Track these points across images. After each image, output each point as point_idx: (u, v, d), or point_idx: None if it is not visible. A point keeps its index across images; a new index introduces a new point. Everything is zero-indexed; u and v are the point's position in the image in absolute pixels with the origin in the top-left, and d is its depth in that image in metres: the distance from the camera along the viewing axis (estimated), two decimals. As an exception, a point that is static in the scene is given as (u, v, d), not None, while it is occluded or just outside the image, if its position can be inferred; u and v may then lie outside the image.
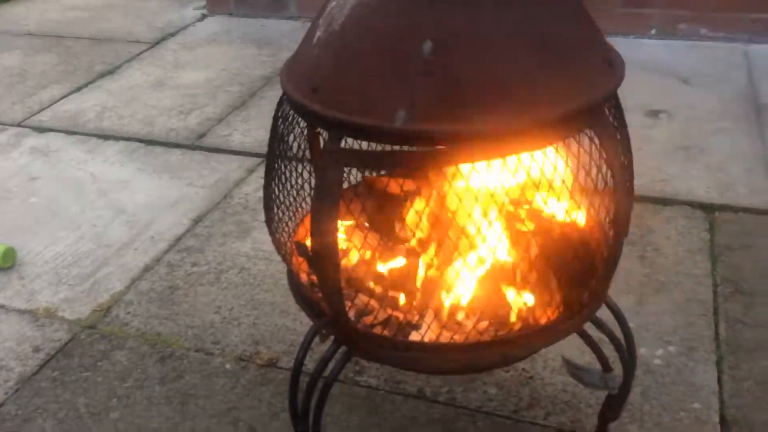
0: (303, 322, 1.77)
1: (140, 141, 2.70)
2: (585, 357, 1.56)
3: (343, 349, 1.12)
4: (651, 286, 1.84)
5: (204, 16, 4.00)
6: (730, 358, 1.62)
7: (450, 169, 0.98)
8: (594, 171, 0.94)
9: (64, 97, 3.08)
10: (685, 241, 2.01)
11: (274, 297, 1.87)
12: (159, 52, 3.53)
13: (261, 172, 2.46)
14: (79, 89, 3.15)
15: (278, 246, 1.12)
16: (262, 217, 2.19)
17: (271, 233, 1.12)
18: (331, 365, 1.15)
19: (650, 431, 1.45)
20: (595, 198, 1.00)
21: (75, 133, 2.78)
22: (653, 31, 3.32)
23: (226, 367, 1.66)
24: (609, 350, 1.27)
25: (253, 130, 2.73)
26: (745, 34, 3.20)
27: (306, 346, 1.15)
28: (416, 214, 1.20)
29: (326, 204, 0.90)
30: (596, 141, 0.92)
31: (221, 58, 3.42)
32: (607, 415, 1.33)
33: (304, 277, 1.09)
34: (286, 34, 3.65)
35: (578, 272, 1.10)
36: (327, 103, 0.93)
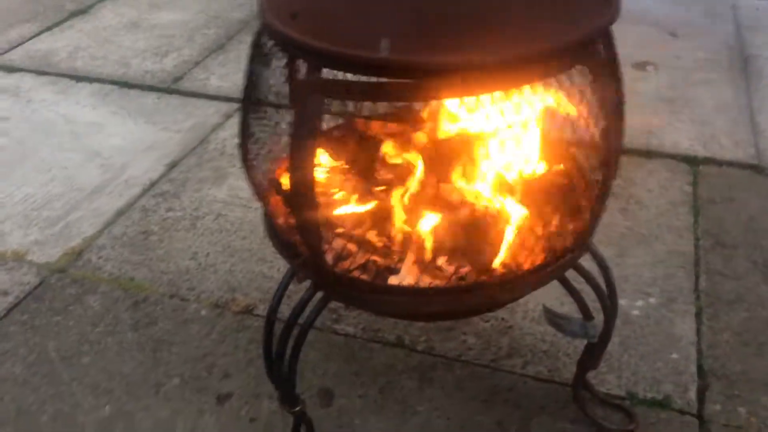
0: (281, 270, 1.73)
1: (114, 83, 2.60)
2: (564, 308, 1.55)
3: (319, 294, 1.09)
4: (632, 238, 1.83)
5: (181, -44, 3.84)
6: (709, 309, 1.62)
7: (433, 107, 0.93)
8: (585, 110, 0.90)
9: (34, 36, 2.96)
10: (667, 193, 1.99)
11: (251, 244, 1.83)
12: (134, -9, 3.39)
13: (238, 117, 2.41)
14: (49, 29, 3.03)
15: (254, 186, 1.07)
16: (239, 163, 2.14)
17: (247, 172, 1.07)
18: (307, 311, 1.12)
19: (628, 381, 1.45)
20: (585, 139, 0.96)
21: (46, 73, 2.68)
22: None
23: (201, 314, 1.63)
24: (589, 299, 1.26)
25: (231, 74, 2.65)
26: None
27: (282, 290, 1.12)
28: (398, 155, 1.15)
29: (304, 138, 0.86)
30: (589, 78, 0.88)
31: (198, -1, 3.30)
32: (586, 363, 1.32)
33: (281, 218, 1.05)
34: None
35: (564, 216, 1.07)
36: (306, 31, 0.87)
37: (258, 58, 1.00)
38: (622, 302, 1.62)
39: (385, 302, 0.98)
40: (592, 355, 1.29)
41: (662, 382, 1.44)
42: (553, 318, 1.28)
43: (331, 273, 0.99)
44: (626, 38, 2.66)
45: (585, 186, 1.02)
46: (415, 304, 0.98)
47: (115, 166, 2.15)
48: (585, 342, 1.32)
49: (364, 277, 1.00)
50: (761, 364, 1.48)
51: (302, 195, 0.88)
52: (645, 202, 1.96)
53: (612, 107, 0.95)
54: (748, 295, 1.65)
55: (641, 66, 2.63)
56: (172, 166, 2.15)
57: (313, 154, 0.87)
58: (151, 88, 2.57)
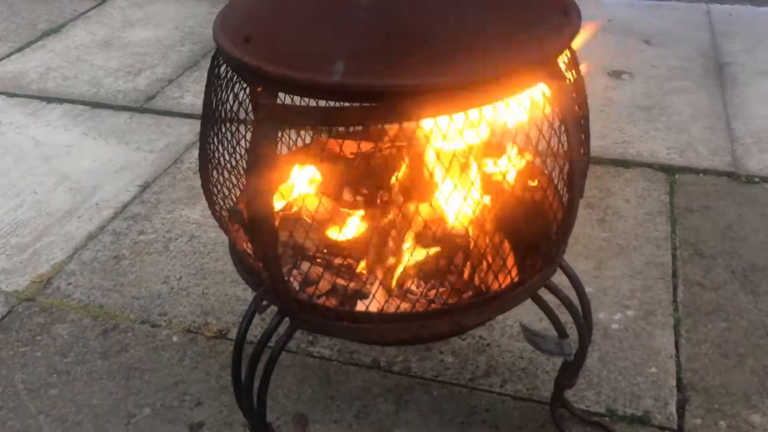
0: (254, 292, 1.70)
1: (86, 104, 2.57)
2: (543, 323, 1.53)
3: (287, 319, 1.06)
4: (610, 249, 1.81)
5: (155, -27, 3.81)
6: (687, 321, 1.60)
7: (394, 127, 0.91)
8: (547, 129, 0.88)
9: (5, 57, 2.92)
10: (645, 203, 1.98)
11: (224, 265, 1.80)
12: (106, 10, 3.36)
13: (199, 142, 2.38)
14: (20, 49, 2.99)
15: (215, 213, 1.05)
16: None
17: (208, 199, 1.05)
18: (276, 337, 1.09)
19: (607, 397, 1.43)
20: (549, 158, 0.94)
21: (15, 95, 2.64)
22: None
23: (173, 340, 1.59)
24: (567, 315, 1.24)
25: (205, 91, 2.61)
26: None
27: (249, 317, 1.09)
28: (364, 177, 1.13)
29: (260, 165, 0.83)
30: (548, 96, 0.86)
31: (173, 16, 3.27)
32: (563, 381, 1.30)
33: (242, 244, 1.02)
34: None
35: (531, 237, 1.05)
36: (259, 55, 0.85)
37: (215, 82, 0.98)
38: (600, 316, 1.61)
39: (351, 330, 0.96)
40: (568, 373, 1.26)
41: (642, 397, 1.42)
42: (530, 336, 1.26)
43: (294, 300, 0.96)
44: (601, 47, 2.67)
45: (552, 204, 0.99)
46: (382, 330, 0.95)
47: (86, 188, 2.11)
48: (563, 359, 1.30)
49: (328, 303, 0.97)
50: (741, 377, 1.47)
51: (261, 224, 0.86)
52: (622, 213, 1.94)
53: (575, 124, 0.93)
54: (727, 306, 1.64)
55: (617, 74, 2.63)
56: (145, 187, 2.11)
57: (270, 183, 0.84)
58: (124, 108, 2.54)
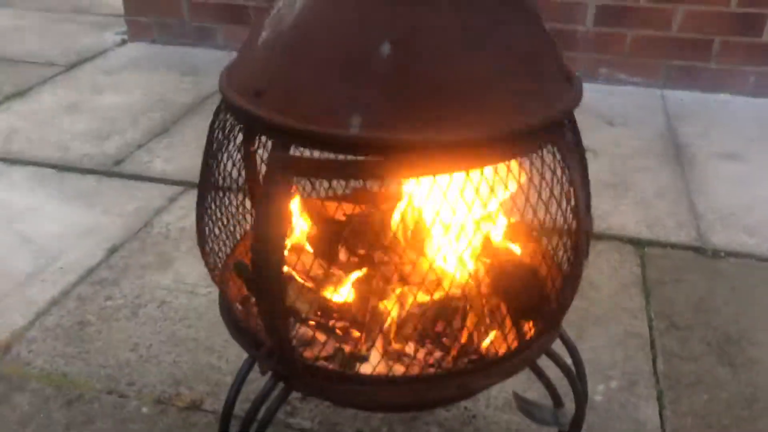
0: (229, 360, 1.64)
1: (52, 166, 2.51)
2: (528, 394, 1.51)
3: (280, 386, 1.02)
4: (588, 320, 1.82)
5: (124, 42, 3.84)
6: (670, 393, 1.60)
7: (397, 189, 0.90)
8: (557, 190, 0.89)
9: (-34, 118, 2.85)
10: (618, 275, 2.01)
11: (197, 333, 1.73)
12: (75, 75, 3.34)
13: (184, 200, 2.34)
14: (-17, 111, 2.93)
15: (211, 269, 1.01)
16: (184, 247, 2.06)
17: (203, 255, 1.01)
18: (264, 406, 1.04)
19: (597, 470, 1.39)
20: (554, 220, 0.95)
21: (-22, 156, 2.56)
22: (577, 74, 3.41)
23: (142, 411, 1.50)
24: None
25: (177, 156, 2.59)
26: (661, 79, 3.34)
27: (239, 383, 1.04)
28: (361, 239, 1.12)
29: (273, 217, 0.81)
30: (558, 158, 0.87)
31: (143, 83, 3.27)
32: (555, 453, 1.27)
33: (239, 303, 0.98)
34: (213, 64, 3.54)
35: (533, 300, 1.04)
36: (273, 108, 0.84)
37: (218, 137, 0.96)
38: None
39: (355, 393, 0.92)
40: (563, 445, 1.23)
41: (631, 470, 1.40)
42: (523, 405, 1.24)
43: (300, 362, 0.92)
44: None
45: (555, 268, 0.99)
46: (391, 392, 0.91)
47: (50, 252, 2.03)
48: (554, 430, 1.27)
49: (332, 366, 0.93)
50: (727, 448, 1.46)
51: (269, 279, 0.82)
52: (597, 283, 1.96)
53: (580, 187, 0.94)
54: (707, 377, 1.65)
55: (582, 152, 2.71)
56: (113, 251, 2.05)
57: (282, 234, 0.82)
58: (91, 171, 2.49)
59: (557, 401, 1.19)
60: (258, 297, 0.86)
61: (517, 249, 1.12)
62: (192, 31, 3.78)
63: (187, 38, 3.79)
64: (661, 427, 1.50)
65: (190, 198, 2.34)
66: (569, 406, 1.25)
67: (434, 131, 0.79)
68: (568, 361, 1.24)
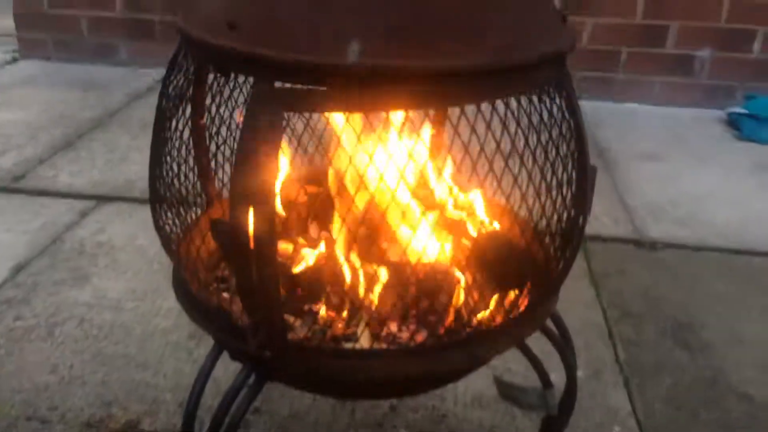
0: (167, 375, 1.46)
1: (-61, 184, 2.23)
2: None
3: (253, 377, 0.88)
4: (543, 313, 1.76)
5: (15, 60, 3.55)
6: (635, 379, 1.56)
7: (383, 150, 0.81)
8: (555, 132, 0.82)
9: None
10: (564, 270, 1.97)
11: (126, 348, 1.54)
12: (-39, 91, 3.04)
13: (99, 215, 2.12)
14: None
15: (164, 237, 0.86)
16: (102, 263, 1.86)
17: (155, 220, 0.86)
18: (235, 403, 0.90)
19: (578, 460, 1.32)
20: (553, 171, 0.88)
21: None
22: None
23: (68, 438, 1.30)
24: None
25: (85, 170, 2.37)
26: (575, 90, 3.43)
27: (204, 377, 0.89)
28: (336, 212, 1.00)
29: (260, 162, 0.68)
30: (564, 94, 0.81)
31: (41, 100, 3.01)
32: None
33: (202, 274, 0.84)
34: (117, 80, 3.32)
35: (512, 268, 0.96)
36: (254, 41, 0.72)
37: (177, 83, 0.83)
38: (552, 376, 1.52)
39: (358, 368, 0.79)
40: (554, 431, 1.15)
41: (613, 457, 1.33)
42: (506, 390, 1.15)
43: (287, 341, 0.79)
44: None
45: (553, 230, 0.92)
46: (393, 365, 0.80)
47: (-58, 273, 1.77)
48: (537, 420, 1.19)
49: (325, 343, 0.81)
50: (699, 430, 1.43)
51: (259, 236, 0.69)
52: (546, 280, 1.92)
53: (581, 136, 0.88)
54: (668, 362, 1.62)
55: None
56: (19, 269, 1.81)
57: (272, 180, 0.70)
58: (-13, 188, 2.23)
59: (545, 381, 1.11)
60: (238, 265, 0.73)
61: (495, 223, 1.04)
62: (92, 48, 3.55)
63: (86, 55, 3.55)
64: (633, 412, 1.45)
65: (106, 212, 2.13)
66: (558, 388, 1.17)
67: (450, 58, 0.70)
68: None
